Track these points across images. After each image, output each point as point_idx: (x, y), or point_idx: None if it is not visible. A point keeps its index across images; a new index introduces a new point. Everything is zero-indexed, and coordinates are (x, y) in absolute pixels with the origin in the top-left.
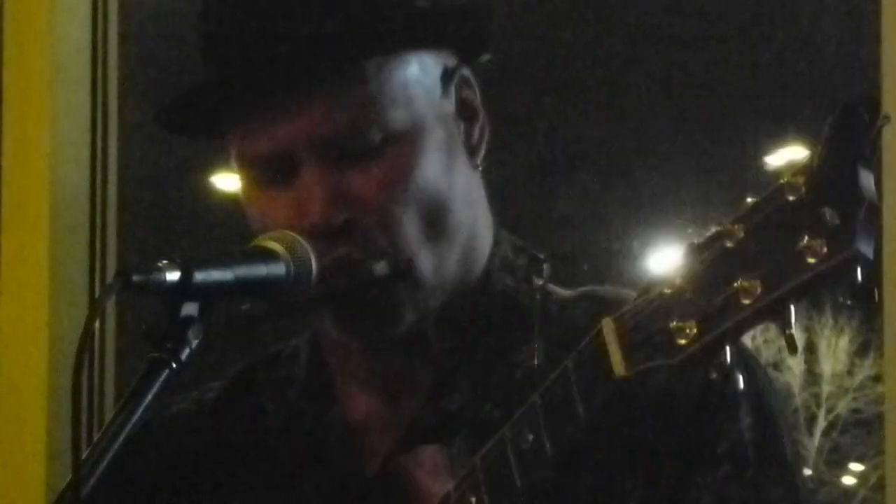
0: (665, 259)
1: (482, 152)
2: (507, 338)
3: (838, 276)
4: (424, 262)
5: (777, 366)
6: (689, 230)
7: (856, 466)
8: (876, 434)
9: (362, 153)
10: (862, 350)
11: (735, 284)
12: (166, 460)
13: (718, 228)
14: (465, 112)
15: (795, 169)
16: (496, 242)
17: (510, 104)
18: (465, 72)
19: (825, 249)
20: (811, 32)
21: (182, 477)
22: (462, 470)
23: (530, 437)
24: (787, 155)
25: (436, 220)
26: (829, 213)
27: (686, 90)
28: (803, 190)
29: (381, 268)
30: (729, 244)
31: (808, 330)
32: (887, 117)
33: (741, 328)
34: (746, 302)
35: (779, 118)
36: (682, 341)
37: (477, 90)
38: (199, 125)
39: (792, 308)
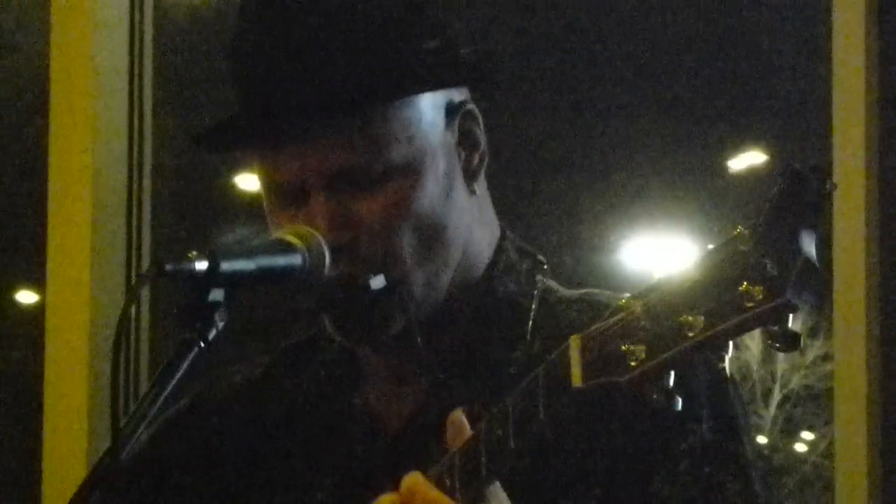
0: (637, 254)
1: (480, 177)
2: (507, 336)
3: (771, 321)
4: (416, 278)
5: (737, 346)
6: (659, 226)
7: (807, 435)
8: (825, 406)
9: (365, 185)
10: (813, 333)
11: (681, 318)
12: (215, 426)
13: (678, 268)
14: (466, 142)
15: (748, 224)
16: (500, 248)
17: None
18: (470, 106)
19: (761, 296)
20: (768, 53)
21: (228, 441)
22: (443, 456)
23: (499, 432)
24: (747, 159)
25: (429, 242)
26: (769, 265)
27: (657, 102)
28: (751, 242)
29: (376, 282)
30: (682, 281)
31: None
32: (835, 185)
33: (683, 358)
34: (690, 335)
35: (739, 127)
36: (632, 363)
37: (480, 122)
38: (229, 152)
39: (731, 343)
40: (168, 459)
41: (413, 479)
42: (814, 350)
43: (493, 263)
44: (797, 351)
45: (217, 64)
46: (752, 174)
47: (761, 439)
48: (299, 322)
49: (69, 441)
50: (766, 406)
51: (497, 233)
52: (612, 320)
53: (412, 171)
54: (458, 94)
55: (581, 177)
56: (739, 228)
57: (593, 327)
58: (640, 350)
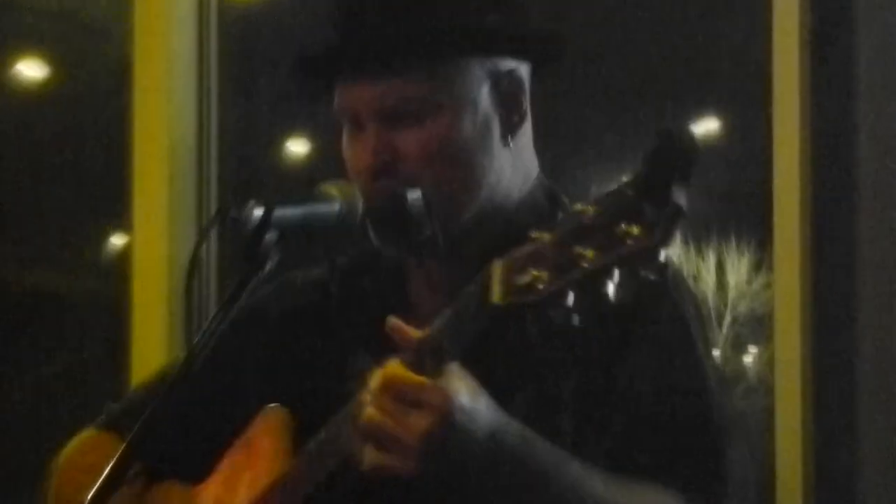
0: None
1: (518, 133)
2: None
3: (646, 253)
4: (442, 198)
5: (696, 278)
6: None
7: (752, 349)
8: (766, 326)
9: (409, 122)
10: (757, 266)
11: (577, 250)
12: (288, 309)
13: (581, 207)
14: (507, 104)
15: (633, 175)
16: (531, 190)
17: None
18: (518, 73)
19: (637, 233)
20: (719, 34)
21: (296, 322)
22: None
23: (438, 335)
24: (703, 126)
25: (455, 172)
26: (647, 210)
27: (629, 76)
28: (632, 191)
29: (412, 194)
30: (582, 220)
31: (718, 252)
32: (698, 150)
33: (577, 283)
34: (584, 265)
35: (696, 99)
36: (539, 286)
37: (525, 88)
38: (317, 78)
39: (616, 271)
40: (250, 336)
41: (391, 366)
42: (758, 280)
43: (521, 201)
44: (661, 276)
45: (268, 45)
46: (708, 136)
47: (716, 352)
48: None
49: (153, 355)
50: (720, 327)
51: (532, 177)
52: (525, 249)
53: (451, 116)
54: (510, 62)
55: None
56: (628, 178)
57: (512, 253)
58: (545, 275)
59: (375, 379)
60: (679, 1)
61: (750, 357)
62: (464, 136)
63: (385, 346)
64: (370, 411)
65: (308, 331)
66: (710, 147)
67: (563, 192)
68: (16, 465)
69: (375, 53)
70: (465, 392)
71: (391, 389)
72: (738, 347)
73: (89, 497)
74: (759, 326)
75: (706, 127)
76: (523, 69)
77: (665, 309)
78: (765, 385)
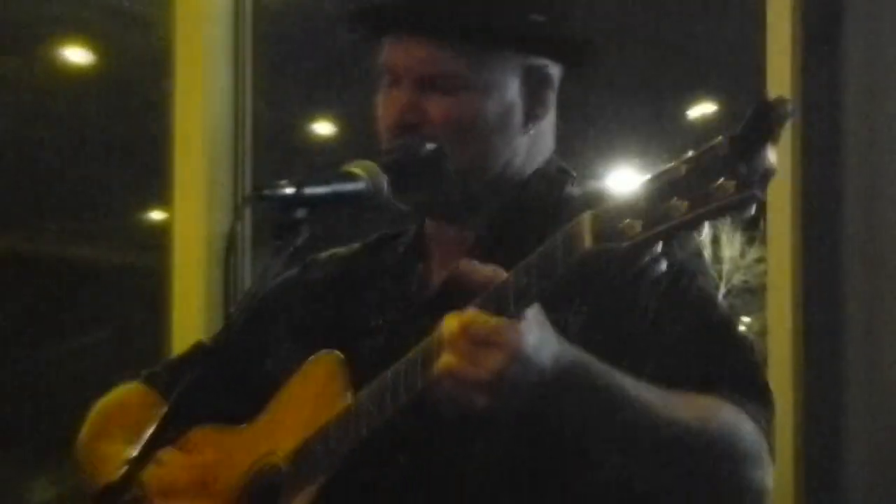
0: (618, 179)
1: (539, 122)
2: (533, 214)
3: (740, 208)
4: (459, 159)
5: (697, 243)
6: (636, 159)
7: (745, 318)
8: (758, 297)
9: (444, 89)
10: (750, 241)
11: (671, 202)
12: (318, 280)
13: (671, 164)
14: (533, 97)
15: (727, 135)
16: (544, 165)
17: None
18: (547, 71)
19: (733, 189)
20: (718, 24)
21: (326, 291)
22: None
23: (525, 280)
24: (701, 109)
25: (477, 146)
26: (742, 167)
27: (634, 64)
28: (728, 150)
29: (430, 145)
30: (673, 175)
31: (714, 227)
32: (792, 112)
33: (670, 232)
34: (677, 215)
35: (695, 83)
36: (631, 234)
37: (552, 85)
38: (366, 30)
39: (706, 224)
40: (284, 303)
41: (470, 312)
42: (751, 254)
43: (534, 172)
44: (753, 230)
45: (300, 35)
46: (705, 119)
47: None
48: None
49: (192, 323)
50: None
51: (546, 157)
52: (619, 201)
53: (479, 94)
54: (543, 60)
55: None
56: (719, 138)
57: (603, 206)
58: (638, 224)
59: (450, 326)
60: (680, 2)
61: (743, 326)
62: (485, 117)
63: (403, 303)
64: (446, 357)
65: (335, 294)
66: (708, 129)
67: (571, 168)
68: (64, 425)
69: (428, 21)
70: (534, 328)
71: (467, 333)
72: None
73: (147, 438)
74: (752, 297)
75: (703, 111)
76: (555, 69)
77: (701, 257)
78: (757, 351)
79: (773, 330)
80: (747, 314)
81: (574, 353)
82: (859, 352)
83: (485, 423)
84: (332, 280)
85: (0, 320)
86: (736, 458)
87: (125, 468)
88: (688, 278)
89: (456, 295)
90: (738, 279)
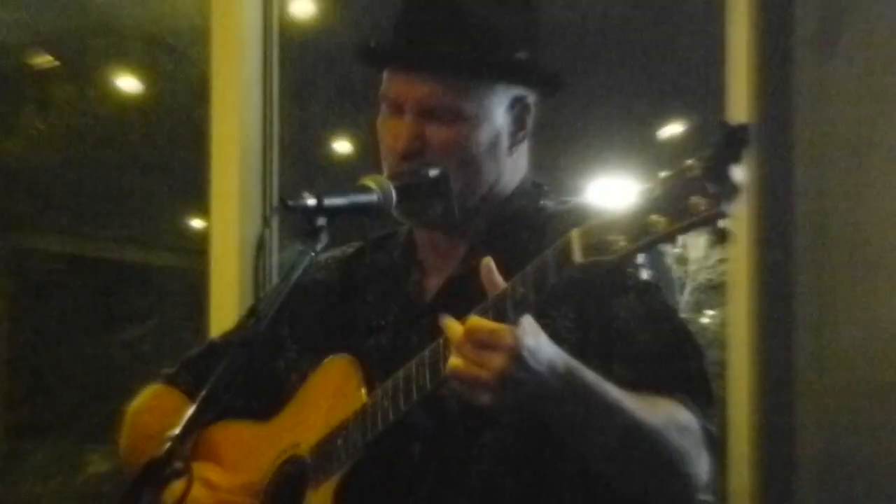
0: (598, 193)
1: (520, 146)
2: (516, 228)
3: (712, 222)
4: (457, 182)
5: (664, 254)
6: (614, 173)
7: (709, 311)
8: (720, 293)
9: (443, 120)
10: (712, 244)
11: (651, 218)
12: (322, 284)
13: (648, 185)
14: (516, 123)
15: (698, 156)
16: (522, 182)
17: None
18: (530, 100)
19: (704, 207)
20: (686, 55)
21: (329, 294)
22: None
23: (522, 290)
24: (671, 129)
25: (472, 170)
26: (712, 186)
27: (614, 89)
28: (700, 170)
29: (433, 171)
30: (652, 194)
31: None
32: (751, 137)
33: (650, 245)
34: (656, 230)
35: (666, 108)
36: (615, 248)
37: (531, 112)
38: (371, 63)
39: (680, 237)
40: (296, 304)
41: (473, 319)
42: (714, 255)
43: (516, 188)
44: (723, 244)
45: (320, 65)
46: (674, 139)
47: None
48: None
49: (227, 318)
50: (682, 293)
51: (523, 174)
52: (604, 218)
53: (473, 123)
54: (523, 90)
55: (559, 140)
56: (690, 161)
57: (590, 222)
58: (622, 239)
59: (455, 331)
60: (649, 31)
61: (707, 318)
62: (477, 143)
63: (402, 305)
64: (454, 360)
65: (336, 296)
66: (676, 144)
67: (544, 183)
68: (116, 406)
69: (430, 60)
70: (530, 333)
71: (470, 338)
72: (697, 310)
73: (179, 428)
74: (714, 293)
75: (672, 130)
76: (531, 97)
77: (667, 271)
78: (719, 341)
79: (732, 321)
80: (710, 308)
81: (566, 358)
82: (807, 341)
83: (488, 418)
84: (333, 282)
85: (64, 314)
86: (684, 454)
87: (168, 444)
88: (650, 295)
89: (453, 299)
90: (703, 277)
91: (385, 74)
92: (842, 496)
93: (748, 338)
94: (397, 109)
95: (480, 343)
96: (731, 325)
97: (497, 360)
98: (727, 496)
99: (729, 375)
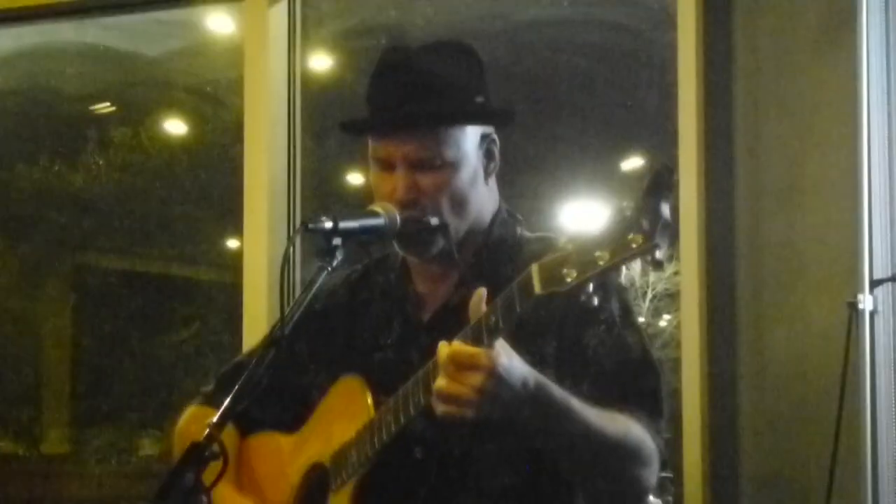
0: (567, 217)
1: (491, 176)
2: (498, 257)
3: (647, 253)
4: (452, 222)
5: (627, 267)
6: (583, 200)
7: (667, 316)
8: (675, 300)
9: (430, 168)
10: (670, 258)
11: (596, 253)
12: (331, 304)
13: (595, 226)
14: (488, 156)
15: (630, 199)
16: (498, 211)
17: None
18: (493, 136)
19: (641, 241)
20: (644, 100)
21: (336, 314)
22: (464, 328)
23: (493, 318)
24: (632, 162)
25: (459, 204)
26: (644, 223)
27: (578, 122)
28: (633, 210)
29: (434, 220)
30: (594, 233)
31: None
32: (676, 178)
33: (596, 276)
34: (601, 263)
35: (629, 143)
36: (568, 279)
37: (497, 145)
38: (358, 134)
39: (623, 268)
40: (309, 323)
41: (454, 344)
42: (670, 268)
43: (493, 220)
44: (661, 269)
45: (336, 111)
46: (635, 171)
47: (641, 319)
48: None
49: (258, 326)
50: (644, 300)
51: (497, 205)
52: (556, 255)
53: (456, 166)
54: (487, 129)
55: (537, 171)
56: (625, 203)
57: (546, 258)
58: (573, 272)
59: (441, 354)
60: (613, 81)
61: (664, 322)
62: (462, 180)
63: (403, 323)
64: (440, 382)
65: (345, 317)
66: (634, 176)
67: (516, 212)
68: (163, 398)
69: (408, 121)
70: (504, 354)
71: (454, 359)
72: (657, 315)
73: (212, 424)
74: (671, 301)
75: (633, 164)
76: (494, 133)
77: (624, 296)
78: (675, 341)
79: (685, 324)
80: (668, 313)
81: (537, 376)
82: (748, 338)
83: (476, 427)
84: (342, 304)
85: (119, 321)
86: (638, 462)
87: (207, 431)
88: (617, 329)
89: (447, 322)
90: (661, 287)
91: (371, 139)
92: (778, 456)
93: (698, 338)
94: (388, 166)
95: (461, 365)
96: (684, 328)
97: (476, 378)
98: (682, 468)
99: (683, 370)
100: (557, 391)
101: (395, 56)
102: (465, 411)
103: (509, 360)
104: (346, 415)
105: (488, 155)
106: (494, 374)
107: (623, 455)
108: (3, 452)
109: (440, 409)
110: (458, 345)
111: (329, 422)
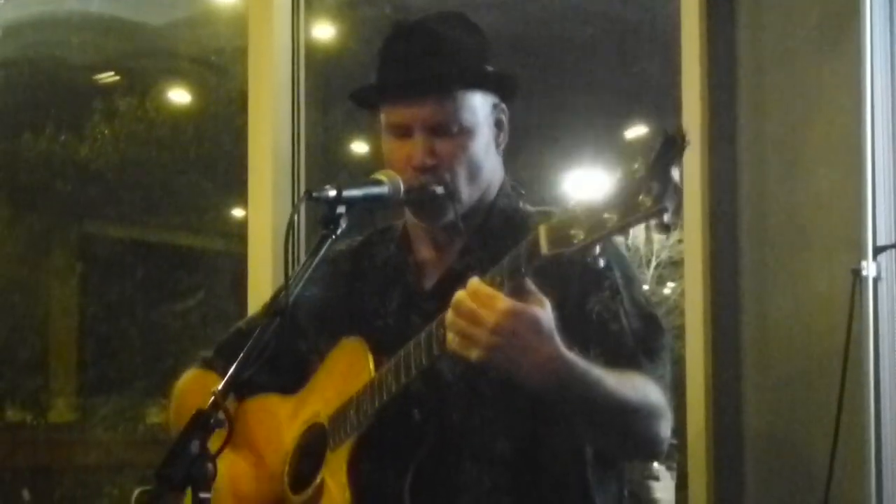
0: (570, 185)
1: (502, 145)
2: (502, 226)
3: (656, 216)
4: (463, 190)
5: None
6: (588, 168)
7: (670, 284)
8: (679, 268)
9: (446, 133)
10: (675, 226)
11: (605, 215)
12: (333, 271)
13: (605, 187)
14: (498, 125)
15: (642, 161)
16: (503, 185)
17: None
18: (503, 105)
19: (650, 203)
20: (648, 69)
21: (337, 282)
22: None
23: (498, 279)
24: (636, 131)
25: (473, 173)
26: (654, 186)
27: (583, 94)
28: (644, 172)
29: (440, 189)
30: (605, 194)
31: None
32: (688, 142)
33: (604, 237)
34: (609, 225)
35: (632, 112)
36: (576, 240)
37: (507, 114)
38: (370, 103)
39: (631, 230)
40: (314, 294)
41: (473, 282)
42: (674, 236)
43: (498, 192)
44: (668, 233)
45: (341, 78)
46: (638, 139)
47: (645, 287)
48: (395, 212)
49: (263, 294)
50: (648, 268)
51: (502, 176)
52: (565, 216)
53: (472, 132)
54: (497, 98)
55: (541, 139)
56: (636, 164)
57: (554, 219)
58: (581, 233)
59: (459, 293)
60: (618, 48)
61: (668, 290)
62: (478, 147)
63: (404, 291)
64: (451, 316)
65: (347, 285)
66: (640, 144)
67: (520, 182)
68: (170, 366)
69: (426, 85)
70: (536, 304)
71: (473, 296)
72: (660, 283)
73: (217, 391)
74: (674, 268)
75: (637, 132)
76: (503, 103)
77: (625, 261)
78: (678, 308)
79: (689, 292)
80: (672, 281)
81: (563, 352)
82: (751, 306)
83: (477, 387)
84: (342, 274)
85: (126, 290)
86: (654, 418)
87: (212, 398)
88: (621, 293)
89: (450, 288)
90: (665, 255)
91: (385, 107)
92: (782, 423)
93: (702, 306)
94: (406, 132)
95: (478, 302)
96: (688, 295)
97: (491, 317)
98: (686, 435)
99: (687, 337)
100: (580, 364)
101: (405, 25)
102: (472, 352)
103: (547, 317)
104: (346, 376)
105: (498, 125)
106: (512, 316)
107: (646, 415)
108: (11, 421)
109: (451, 346)
110: (476, 282)
111: (329, 383)
